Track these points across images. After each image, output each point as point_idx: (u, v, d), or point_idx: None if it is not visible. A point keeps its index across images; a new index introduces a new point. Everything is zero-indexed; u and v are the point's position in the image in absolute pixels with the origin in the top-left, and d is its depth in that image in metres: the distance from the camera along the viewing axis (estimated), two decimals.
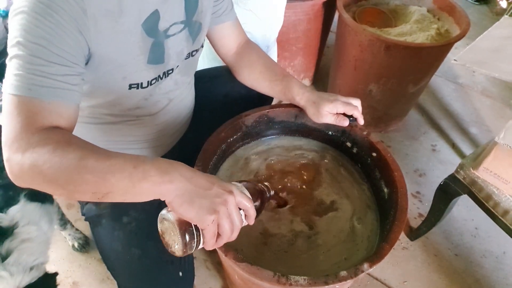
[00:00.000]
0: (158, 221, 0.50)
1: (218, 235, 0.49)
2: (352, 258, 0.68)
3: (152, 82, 0.69)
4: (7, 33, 1.78)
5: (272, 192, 0.62)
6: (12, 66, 0.48)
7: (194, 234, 0.47)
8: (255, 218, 0.54)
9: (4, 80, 0.49)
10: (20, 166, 0.45)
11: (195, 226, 0.47)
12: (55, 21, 0.48)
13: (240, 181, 0.57)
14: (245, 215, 0.52)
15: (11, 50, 0.49)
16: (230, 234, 0.49)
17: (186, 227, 0.47)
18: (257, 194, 0.57)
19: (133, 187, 0.46)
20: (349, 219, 0.74)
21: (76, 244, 1.15)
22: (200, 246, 0.50)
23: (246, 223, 0.54)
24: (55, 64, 0.49)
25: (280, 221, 0.73)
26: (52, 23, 0.48)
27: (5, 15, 1.82)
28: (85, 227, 1.19)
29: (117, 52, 0.59)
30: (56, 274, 0.83)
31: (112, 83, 0.63)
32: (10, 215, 0.80)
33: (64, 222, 1.09)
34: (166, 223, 0.49)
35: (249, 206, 0.51)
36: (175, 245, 0.48)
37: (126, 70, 0.62)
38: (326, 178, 0.81)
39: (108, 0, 0.54)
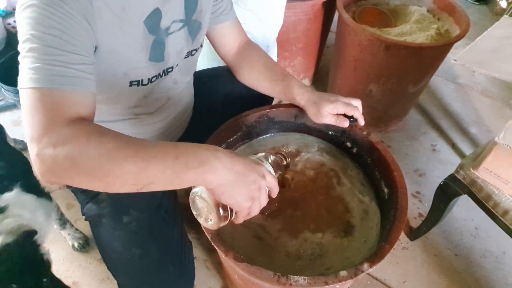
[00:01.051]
0: (190, 197, 0.54)
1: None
2: (369, 241, 0.70)
3: (153, 80, 0.69)
4: (7, 33, 1.78)
5: (288, 160, 0.69)
6: (27, 61, 0.47)
7: (228, 213, 0.53)
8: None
9: (18, 77, 0.48)
10: (53, 159, 0.44)
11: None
12: (65, 12, 0.48)
13: (263, 155, 0.63)
14: (269, 191, 0.57)
15: (24, 45, 0.47)
16: (257, 213, 0.55)
17: (222, 207, 0.53)
18: (277, 166, 0.64)
19: (177, 177, 0.46)
20: (354, 194, 0.78)
21: (76, 244, 1.15)
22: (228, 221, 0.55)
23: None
24: (71, 53, 0.49)
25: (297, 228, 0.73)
26: (62, 13, 0.48)
27: (5, 15, 1.82)
28: (84, 227, 1.19)
29: (119, 46, 0.59)
30: (35, 232, 0.79)
31: (114, 79, 0.63)
32: (3, 199, 0.80)
33: (63, 221, 1.09)
34: (201, 201, 0.53)
35: (275, 184, 0.56)
36: (209, 220, 0.53)
37: (127, 65, 0.62)
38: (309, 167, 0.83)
39: None
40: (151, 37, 0.62)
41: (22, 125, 0.47)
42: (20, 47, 0.48)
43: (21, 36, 0.48)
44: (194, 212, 0.56)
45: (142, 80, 0.67)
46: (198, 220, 0.56)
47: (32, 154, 0.45)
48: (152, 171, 0.45)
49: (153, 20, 0.61)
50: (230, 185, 0.49)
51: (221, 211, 0.52)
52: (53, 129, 0.45)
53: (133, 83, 0.66)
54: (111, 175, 0.44)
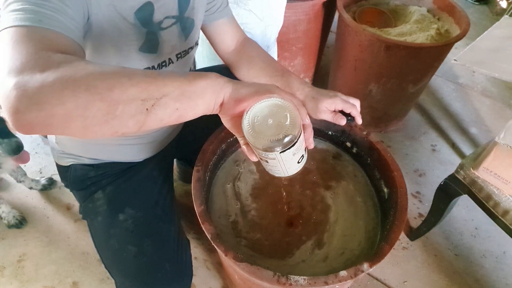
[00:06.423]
0: (245, 118, 0.45)
1: None
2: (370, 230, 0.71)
3: None
4: None
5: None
6: (13, 7, 0.42)
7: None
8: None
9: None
10: (41, 83, 0.35)
11: None
12: None
13: None
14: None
15: (8, 7, 0.42)
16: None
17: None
18: None
19: (190, 84, 0.42)
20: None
21: (12, 221, 1.20)
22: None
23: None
24: (64, 7, 0.45)
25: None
26: None
27: None
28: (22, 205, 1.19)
29: (112, 31, 0.58)
30: None
31: None
32: None
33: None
34: (265, 109, 0.45)
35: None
36: (286, 121, 0.44)
37: (118, 53, 0.61)
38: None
39: None
40: (144, 30, 0.62)
41: None
42: (2, 9, 0.43)
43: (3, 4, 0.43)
44: (253, 141, 0.45)
45: None
46: (266, 153, 0.45)
47: (6, 89, 0.35)
48: (164, 80, 0.40)
49: (145, 13, 0.60)
50: (240, 82, 0.46)
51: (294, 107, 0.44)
52: (41, 56, 0.38)
53: None
54: (116, 88, 0.37)
